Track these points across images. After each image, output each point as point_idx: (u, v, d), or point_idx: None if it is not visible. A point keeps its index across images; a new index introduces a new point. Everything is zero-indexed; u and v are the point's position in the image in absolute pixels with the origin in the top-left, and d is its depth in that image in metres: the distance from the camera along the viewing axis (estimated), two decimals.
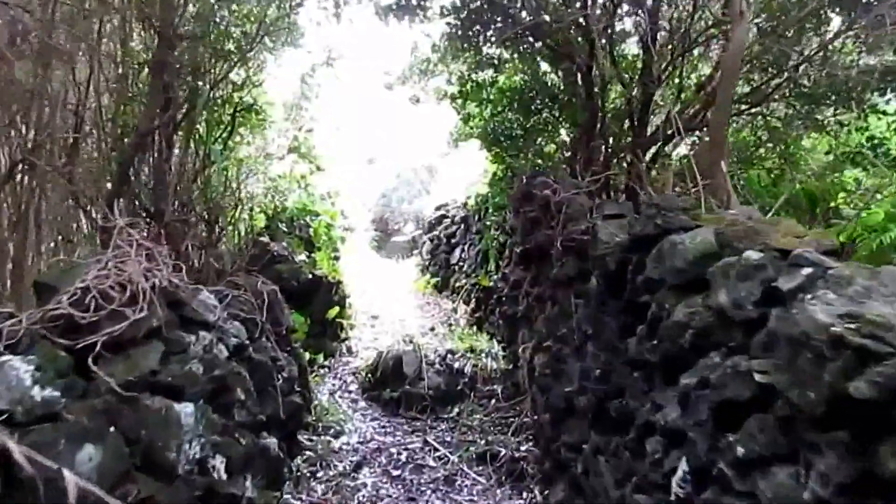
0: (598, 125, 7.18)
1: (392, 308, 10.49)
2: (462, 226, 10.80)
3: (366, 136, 23.45)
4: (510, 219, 7.18)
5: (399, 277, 13.97)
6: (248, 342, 4.49)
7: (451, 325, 9.31)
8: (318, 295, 7.86)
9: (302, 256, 7.80)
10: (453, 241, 11.06)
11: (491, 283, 8.38)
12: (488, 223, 8.70)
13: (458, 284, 10.38)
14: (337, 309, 8.10)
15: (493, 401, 6.58)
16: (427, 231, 12.66)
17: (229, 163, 8.25)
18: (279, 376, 5.02)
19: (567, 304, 4.69)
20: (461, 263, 10.53)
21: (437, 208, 12.81)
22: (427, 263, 12.15)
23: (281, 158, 9.24)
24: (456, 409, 6.45)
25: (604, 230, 4.11)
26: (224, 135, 7.93)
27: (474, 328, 8.67)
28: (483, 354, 7.29)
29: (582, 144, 6.93)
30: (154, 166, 5.69)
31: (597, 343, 4.02)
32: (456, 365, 6.97)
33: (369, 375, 7.12)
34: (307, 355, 6.61)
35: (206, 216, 6.87)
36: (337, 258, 11.00)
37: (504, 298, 7.44)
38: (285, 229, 8.35)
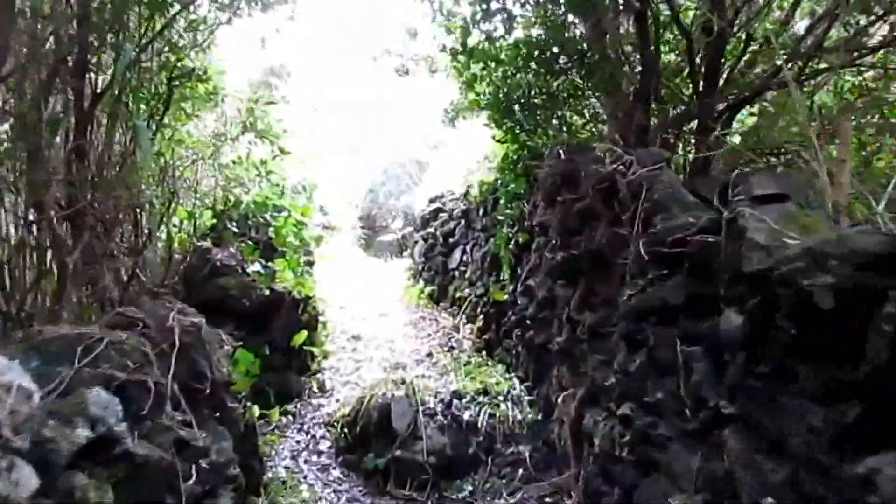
0: (655, 85, 5.43)
1: (378, 325, 8.61)
2: (462, 222, 8.94)
3: (348, 118, 21.49)
4: (537, 212, 5.33)
5: (387, 283, 12.08)
6: (123, 428, 2.62)
7: (452, 348, 7.46)
8: (278, 316, 5.98)
9: (256, 266, 5.91)
10: (451, 240, 9.20)
11: (505, 297, 6.53)
12: (500, 218, 6.85)
13: (459, 295, 8.52)
14: (305, 334, 6.22)
15: (521, 470, 4.74)
16: (419, 228, 10.77)
17: (163, 145, 6.40)
18: (192, 469, 3.15)
19: (666, 350, 2.85)
20: (462, 268, 8.67)
21: (431, 201, 10.92)
22: (420, 267, 10.27)
23: (234, 139, 7.34)
24: (468, 486, 4.61)
25: (756, 227, 2.28)
26: (157, 109, 6.10)
27: (483, 354, 6.82)
28: (501, 398, 5.44)
29: (638, 109, 5.10)
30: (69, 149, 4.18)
31: (751, 436, 2.19)
32: (465, 416, 5.12)
33: (345, 431, 5.25)
34: (256, 410, 4.73)
35: (117, 215, 5.08)
36: (310, 263, 9.11)
37: (528, 320, 5.59)
38: (236, 229, 6.45)
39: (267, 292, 5.77)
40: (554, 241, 4.70)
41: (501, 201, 6.96)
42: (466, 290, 8.20)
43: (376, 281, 12.26)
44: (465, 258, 8.72)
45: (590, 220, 4.05)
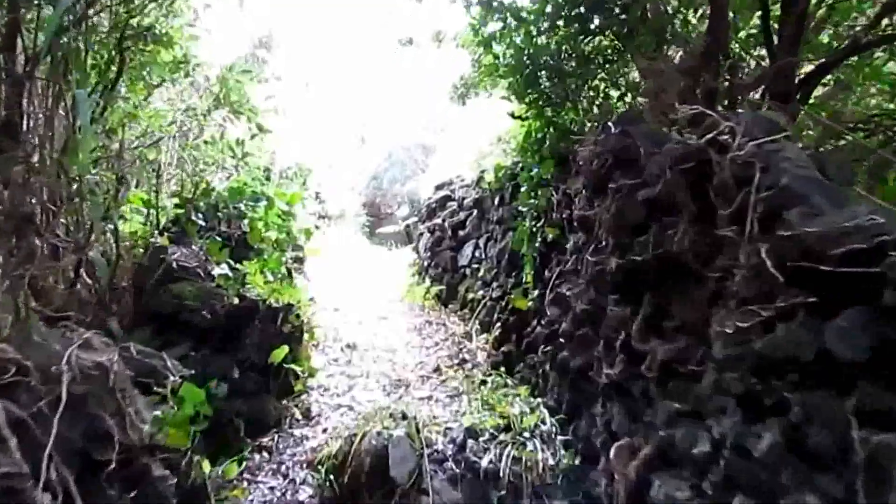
0: (726, 38, 4.42)
1: (378, 331, 7.54)
2: (474, 212, 7.84)
3: (347, 96, 20.39)
4: (577, 203, 4.22)
5: (389, 279, 11.02)
6: None
7: (464, 361, 6.38)
8: (251, 329, 4.91)
9: (223, 268, 4.83)
10: (462, 233, 8.11)
11: (530, 304, 5.44)
12: (523, 209, 5.75)
13: (471, 297, 7.44)
14: (285, 349, 5.14)
15: None
16: (425, 218, 9.66)
17: (116, 121, 5.37)
18: None
19: (825, 432, 1.77)
20: (475, 266, 7.58)
21: (438, 188, 9.80)
22: (426, 263, 9.18)
23: (204, 115, 6.28)
24: None
25: None
26: (107, 77, 5.13)
27: (502, 371, 5.75)
28: (527, 434, 4.37)
29: (707, 69, 3.99)
30: None
31: None
32: (483, 461, 4.05)
33: (332, 477, 4.19)
34: (207, 466, 3.67)
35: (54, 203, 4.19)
36: (300, 260, 8.05)
37: (561, 337, 4.51)
38: (203, 222, 5.37)
39: (236, 301, 4.69)
40: (602, 242, 3.60)
41: (523, 189, 5.85)
42: (480, 292, 7.12)
43: (377, 276, 11.20)
44: (477, 254, 7.64)
45: (661, 213, 2.95)
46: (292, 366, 5.31)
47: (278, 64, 12.46)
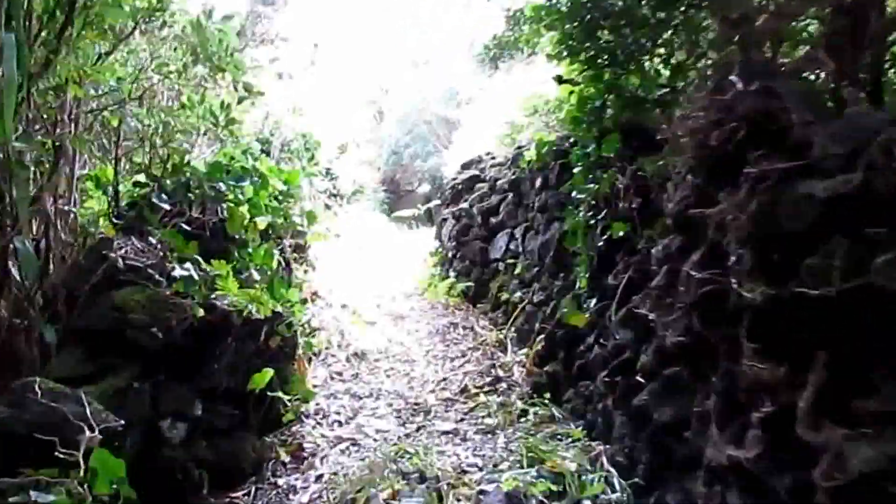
0: None
1: (393, 334, 6.44)
2: (509, 196, 6.67)
3: (363, 61, 19.20)
4: (677, 193, 3.01)
5: (408, 267, 9.90)
6: None
7: (498, 380, 5.26)
8: (223, 349, 3.83)
9: (185, 270, 3.72)
10: (493, 220, 6.93)
11: (587, 320, 4.26)
12: (580, 195, 4.55)
13: (505, 298, 6.30)
14: (268, 373, 4.05)
15: None
16: (449, 202, 8.47)
17: (68, 76, 4.28)
18: None
19: None
20: (510, 261, 6.42)
21: (465, 166, 8.60)
22: (450, 254, 8.01)
23: (180, 71, 5.15)
24: None
25: None
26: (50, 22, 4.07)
27: (546, 398, 4.61)
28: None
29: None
30: None
31: None
32: None
33: None
34: None
35: None
36: (300, 249, 6.97)
37: (639, 374, 3.35)
38: (167, 205, 4.26)
39: (202, 312, 3.59)
40: (721, 253, 2.42)
41: (576, 170, 4.66)
42: (517, 294, 5.96)
43: (393, 265, 10.08)
44: (513, 246, 6.47)
45: (850, 220, 1.77)
46: (279, 393, 4.22)
47: (285, 23, 11.29)
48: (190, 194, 4.48)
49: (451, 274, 7.68)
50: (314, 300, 6.95)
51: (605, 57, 4.46)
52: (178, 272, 3.67)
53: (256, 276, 4.61)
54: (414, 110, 24.57)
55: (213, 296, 3.84)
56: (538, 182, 5.89)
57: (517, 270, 6.16)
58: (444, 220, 8.36)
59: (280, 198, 6.20)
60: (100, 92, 4.82)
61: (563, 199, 5.26)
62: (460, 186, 7.95)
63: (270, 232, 5.90)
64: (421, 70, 28.71)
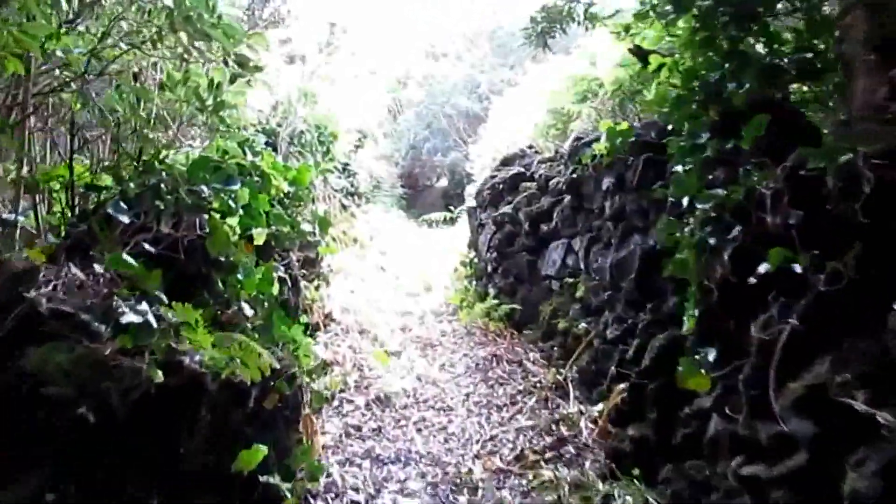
0: None
1: (422, 369, 5.30)
2: (566, 199, 5.49)
3: (380, 45, 18.08)
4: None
5: (436, 276, 8.78)
6: None
7: (561, 441, 4.09)
8: (196, 421, 2.72)
9: (139, 314, 2.59)
10: (545, 227, 5.76)
11: (708, 381, 3.06)
12: (701, 205, 3.32)
13: (562, 325, 5.13)
14: (261, 451, 2.93)
15: None
16: (487, 204, 7.27)
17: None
18: None
19: None
20: (569, 280, 5.24)
21: (505, 162, 7.41)
22: (489, 267, 6.83)
23: (154, 44, 4.03)
24: None
25: None
26: None
27: (632, 476, 3.45)
28: None
29: None
30: None
31: None
32: None
33: None
34: None
35: None
36: (310, 263, 5.87)
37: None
38: (127, 218, 3.14)
39: (160, 377, 2.46)
40: None
41: (679, 168, 3.47)
42: (581, 323, 4.79)
43: (420, 274, 8.96)
44: (571, 261, 5.30)
45: None
46: (274, 479, 3.09)
47: (298, 3, 10.17)
48: (160, 202, 3.36)
49: (491, 291, 6.51)
50: (327, 325, 5.83)
51: (727, 12, 3.29)
52: (128, 317, 2.55)
53: (248, 310, 3.48)
54: (433, 103, 23.63)
55: (180, 346, 2.72)
56: (608, 182, 4.71)
57: (578, 292, 4.99)
58: (482, 225, 7.19)
59: (286, 201, 5.12)
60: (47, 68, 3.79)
61: (648, 206, 4.10)
62: (501, 186, 6.76)
63: (273, 244, 4.82)
64: (440, 61, 27.66)
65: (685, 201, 3.30)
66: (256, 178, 4.70)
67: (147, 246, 3.07)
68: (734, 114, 3.25)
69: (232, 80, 4.19)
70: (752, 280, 2.64)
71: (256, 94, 8.39)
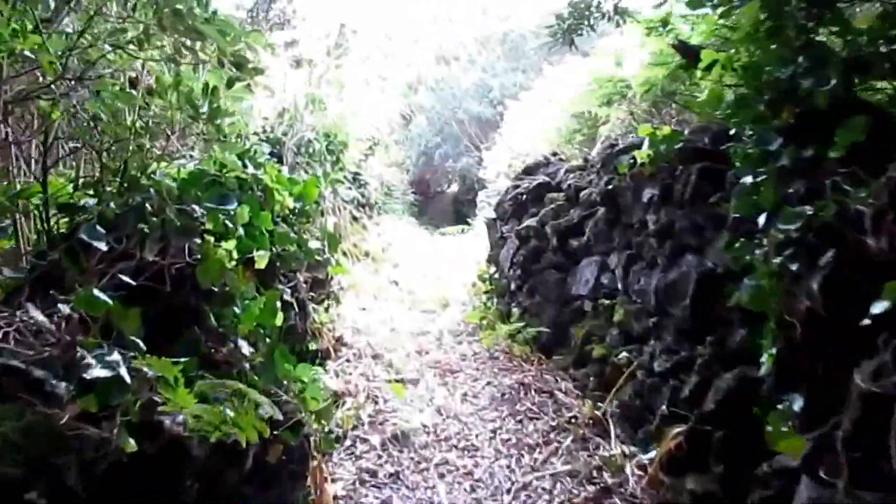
0: None
1: (443, 400, 4.81)
2: (600, 211, 5.00)
3: (394, 54, 17.87)
4: None
5: (453, 290, 8.32)
6: None
7: (606, 491, 3.59)
8: (175, 493, 2.25)
9: (110, 368, 2.12)
10: (575, 243, 5.26)
11: (802, 444, 2.56)
12: (784, 225, 2.81)
13: (597, 353, 4.63)
14: None
15: None
16: (509, 216, 6.77)
17: None
18: None
19: None
20: (604, 301, 4.74)
21: (529, 171, 6.91)
22: (513, 285, 6.30)
23: (140, 44, 3.60)
24: None
25: None
26: None
27: None
28: None
29: None
30: None
31: None
32: None
33: None
34: None
35: None
36: (320, 283, 5.44)
37: None
38: (105, 244, 2.68)
39: (132, 445, 2.00)
40: None
41: (748, 180, 2.96)
42: (621, 352, 4.28)
43: (435, 288, 8.50)
44: (606, 280, 4.81)
45: None
46: None
47: (305, 4, 9.75)
48: (144, 224, 2.90)
49: (514, 310, 6.01)
50: (338, 350, 5.37)
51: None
52: (95, 372, 2.09)
53: (247, 349, 3.02)
54: (444, 108, 23.30)
55: (159, 401, 2.25)
56: (650, 193, 4.22)
57: (616, 316, 4.49)
58: (503, 238, 6.70)
59: (292, 218, 4.67)
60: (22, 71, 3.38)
61: (704, 222, 3.60)
62: (524, 197, 6.27)
63: (278, 265, 4.37)
64: (451, 66, 27.30)
65: (762, 219, 2.80)
66: (258, 193, 4.27)
67: (124, 279, 2.61)
68: (814, 115, 2.76)
69: (229, 85, 3.73)
70: (866, 322, 2.13)
71: (260, 99, 7.98)
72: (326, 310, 5.67)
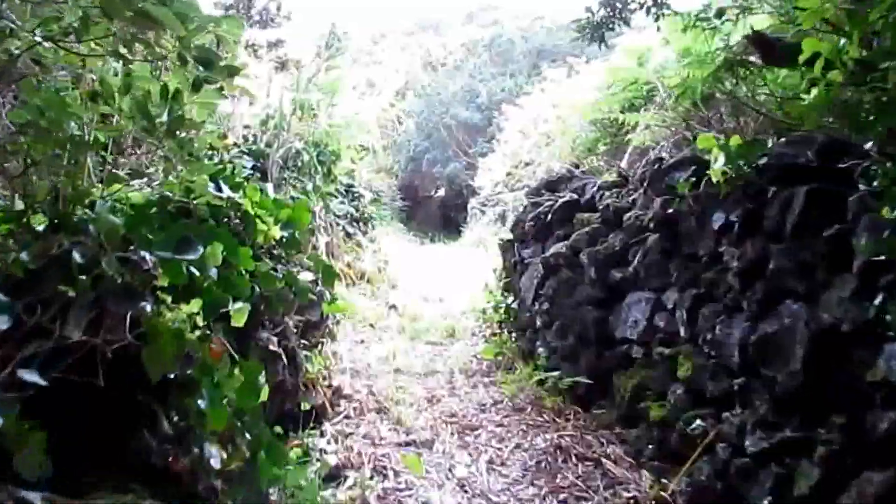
0: None
1: (463, 470, 3.95)
2: (651, 239, 4.17)
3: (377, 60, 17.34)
4: None
5: (459, 315, 7.52)
6: None
7: None
8: None
9: None
10: (618, 275, 4.41)
11: None
12: None
13: (654, 413, 3.79)
14: None
15: None
16: (529, 238, 5.90)
17: None
18: None
19: None
20: (661, 349, 3.91)
21: (550, 186, 6.04)
22: (539, 320, 5.39)
23: (78, 35, 2.68)
24: None
25: None
26: None
27: None
28: None
29: None
30: None
31: None
32: None
33: None
34: None
35: None
36: (314, 326, 4.59)
37: None
38: (3, 321, 1.82)
39: None
40: None
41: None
42: (693, 418, 3.44)
43: (439, 311, 7.69)
44: (662, 322, 3.98)
45: None
46: None
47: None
48: (68, 287, 2.03)
49: (541, 350, 5.16)
50: (335, 405, 4.50)
51: None
52: None
53: (215, 459, 2.15)
54: (432, 114, 22.95)
55: None
56: (722, 219, 3.41)
57: (681, 371, 3.66)
58: (523, 263, 5.84)
59: (278, 249, 3.84)
60: None
61: (814, 261, 2.79)
62: (549, 217, 5.42)
63: (263, 309, 3.55)
64: (438, 71, 26.78)
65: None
66: (236, 221, 3.44)
67: (32, 377, 1.75)
68: None
69: (196, 87, 2.87)
70: None
71: (242, 106, 7.11)
72: (320, 352, 4.81)
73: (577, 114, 7.92)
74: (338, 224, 8.25)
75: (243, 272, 3.07)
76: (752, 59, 4.45)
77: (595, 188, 5.19)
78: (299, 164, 6.37)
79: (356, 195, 9.35)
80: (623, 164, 5.72)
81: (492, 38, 26.19)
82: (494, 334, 6.45)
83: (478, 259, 11.76)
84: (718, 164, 3.35)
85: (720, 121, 4.90)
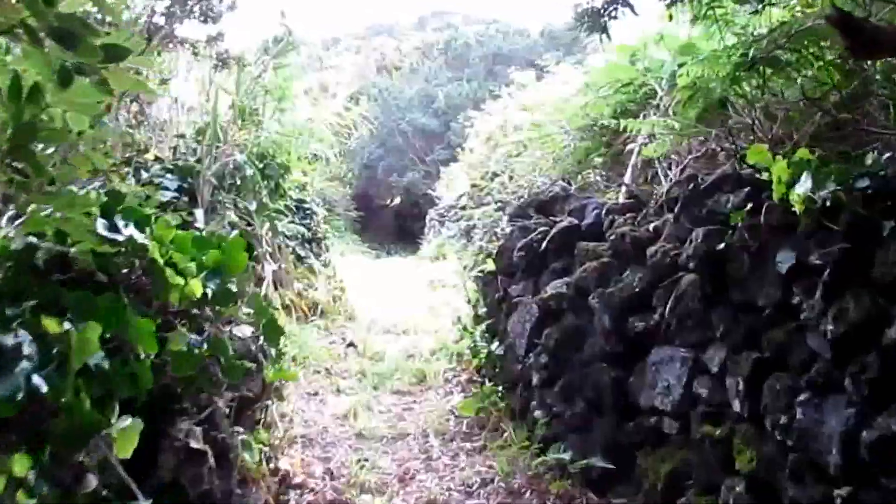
0: None
1: None
2: (690, 279, 3.32)
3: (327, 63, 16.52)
4: None
5: (425, 353, 6.61)
6: None
7: None
8: None
9: None
10: (639, 324, 3.56)
11: None
12: None
13: None
14: None
15: None
16: (519, 271, 4.97)
17: None
18: None
19: None
20: (705, 428, 3.05)
21: (540, 208, 5.10)
22: (534, 376, 4.42)
23: None
24: None
25: None
26: None
27: None
28: None
29: None
30: None
31: None
32: None
33: None
34: None
35: None
36: (250, 402, 3.58)
37: None
38: None
39: None
40: None
41: None
42: None
43: (404, 349, 6.76)
44: (703, 390, 3.13)
45: None
46: None
47: None
48: None
49: (538, 414, 4.23)
50: (283, 499, 3.52)
51: None
52: None
53: None
54: (388, 120, 22.22)
55: None
56: (790, 259, 2.60)
57: (741, 460, 2.81)
58: (509, 301, 4.93)
59: (203, 311, 2.87)
60: None
61: None
62: (543, 246, 4.53)
63: (179, 394, 2.60)
64: (393, 76, 26.10)
65: None
66: (138, 276, 2.51)
67: None
68: None
69: (64, 81, 1.89)
70: None
71: (179, 114, 6.13)
72: (263, 423, 3.83)
73: (557, 120, 7.10)
74: (287, 246, 7.25)
75: (142, 355, 2.14)
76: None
77: (600, 211, 4.34)
78: (239, 180, 5.36)
79: (308, 212, 8.35)
80: (626, 180, 4.90)
81: (447, 42, 25.70)
82: (472, 381, 5.55)
83: (440, 275, 10.92)
84: (803, 187, 2.51)
85: (751, 128, 4.12)
